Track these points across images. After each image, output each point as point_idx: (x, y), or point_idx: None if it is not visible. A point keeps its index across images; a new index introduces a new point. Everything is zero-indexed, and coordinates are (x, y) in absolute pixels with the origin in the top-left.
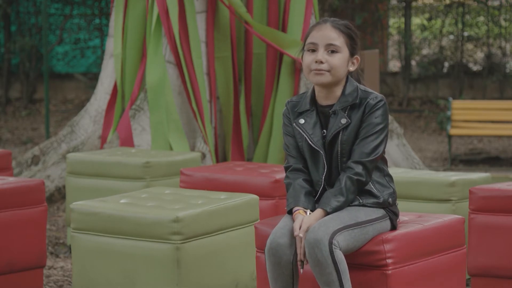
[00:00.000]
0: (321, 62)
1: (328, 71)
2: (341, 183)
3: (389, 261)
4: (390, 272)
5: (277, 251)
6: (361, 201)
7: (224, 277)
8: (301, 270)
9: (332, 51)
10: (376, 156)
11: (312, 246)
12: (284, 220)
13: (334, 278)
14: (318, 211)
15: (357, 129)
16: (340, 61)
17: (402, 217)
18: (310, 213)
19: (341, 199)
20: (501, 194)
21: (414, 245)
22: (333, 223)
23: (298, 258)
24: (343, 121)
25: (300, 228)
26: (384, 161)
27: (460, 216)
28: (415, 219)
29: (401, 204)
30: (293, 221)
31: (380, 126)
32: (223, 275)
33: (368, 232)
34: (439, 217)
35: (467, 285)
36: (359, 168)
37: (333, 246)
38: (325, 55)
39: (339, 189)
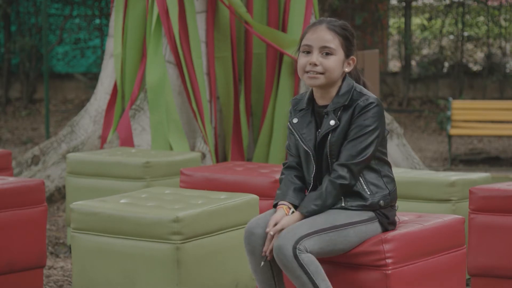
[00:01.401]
0: (315, 65)
1: (322, 73)
2: (322, 187)
3: (389, 261)
4: (390, 272)
5: (251, 241)
6: (343, 204)
7: (224, 277)
8: (262, 263)
9: (327, 53)
10: (363, 158)
11: (276, 252)
12: (267, 212)
13: (305, 280)
14: (296, 214)
15: (346, 131)
16: (335, 63)
17: (402, 217)
18: (293, 212)
19: (319, 203)
20: (501, 194)
21: (414, 245)
22: (302, 229)
23: (263, 253)
24: (332, 122)
25: (274, 226)
26: (384, 161)
27: (460, 216)
28: (415, 219)
29: (401, 204)
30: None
31: (369, 128)
32: (223, 275)
33: (349, 234)
34: (439, 217)
35: (467, 285)
36: (343, 171)
37: (297, 251)
38: (319, 57)
39: (319, 193)
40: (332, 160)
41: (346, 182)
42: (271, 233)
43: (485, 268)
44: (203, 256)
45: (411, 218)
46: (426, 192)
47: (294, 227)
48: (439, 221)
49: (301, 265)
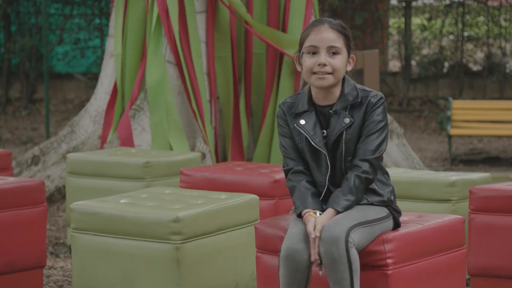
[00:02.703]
0: (324, 65)
1: (331, 73)
2: (350, 182)
3: (389, 261)
4: (390, 272)
5: (295, 257)
6: (369, 199)
7: (224, 277)
8: (320, 272)
9: (334, 53)
10: (380, 153)
11: (329, 244)
12: (296, 224)
13: (347, 276)
14: (330, 211)
15: (360, 128)
16: (341, 62)
17: (402, 217)
18: (320, 214)
19: (351, 198)
20: (501, 194)
21: (414, 245)
22: (347, 221)
23: (313, 259)
24: (347, 120)
25: (314, 229)
26: (382, 158)
27: (460, 216)
28: (415, 219)
29: (401, 204)
30: (305, 224)
31: (382, 124)
32: (223, 275)
33: (375, 231)
34: (439, 217)
35: (467, 285)
36: (366, 166)
37: (349, 244)
38: (327, 57)
39: (348, 188)
40: (347, 158)
41: (370, 176)
42: (317, 234)
43: (485, 268)
44: (203, 256)
45: (411, 218)
46: (426, 192)
47: (338, 220)
48: (439, 221)
49: (349, 261)
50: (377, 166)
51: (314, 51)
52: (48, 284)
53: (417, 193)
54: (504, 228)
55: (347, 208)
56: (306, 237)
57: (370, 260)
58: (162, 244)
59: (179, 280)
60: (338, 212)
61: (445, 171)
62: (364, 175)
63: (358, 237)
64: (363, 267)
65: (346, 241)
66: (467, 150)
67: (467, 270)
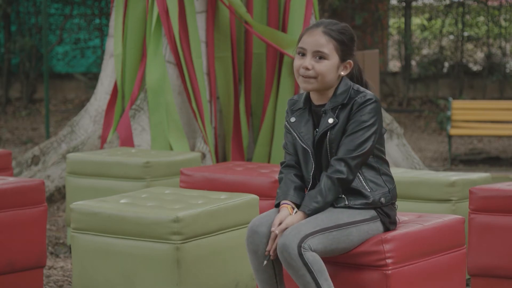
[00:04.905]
0: (308, 69)
1: (315, 77)
2: (320, 184)
3: (389, 261)
4: (390, 272)
5: (254, 239)
6: (347, 202)
7: (224, 277)
8: (265, 262)
9: (320, 57)
10: (361, 152)
11: (281, 251)
12: (270, 211)
13: (309, 279)
14: (299, 214)
15: (345, 128)
16: (327, 67)
17: (402, 217)
18: (296, 212)
19: (320, 199)
20: (501, 194)
21: (414, 245)
22: (306, 227)
23: (266, 250)
24: (331, 120)
25: (278, 225)
26: (382, 160)
27: (460, 216)
28: (415, 219)
29: (401, 204)
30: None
31: (367, 124)
32: (223, 275)
33: (352, 233)
34: (439, 217)
35: (467, 285)
36: (340, 166)
37: (303, 249)
38: (312, 61)
39: (318, 190)
40: (331, 157)
41: (343, 176)
42: (276, 232)
43: (485, 268)
44: (203, 256)
45: (411, 218)
46: (426, 192)
47: (298, 225)
48: (439, 221)
49: (305, 264)
50: (354, 165)
51: (302, 53)
52: (48, 284)
53: (417, 193)
54: (504, 228)
55: (316, 210)
56: (271, 224)
57: (370, 260)
58: (162, 244)
59: (179, 280)
60: (307, 215)
61: (445, 171)
62: (335, 175)
63: (321, 242)
64: (363, 267)
65: (299, 247)
66: (467, 150)
67: (467, 270)
